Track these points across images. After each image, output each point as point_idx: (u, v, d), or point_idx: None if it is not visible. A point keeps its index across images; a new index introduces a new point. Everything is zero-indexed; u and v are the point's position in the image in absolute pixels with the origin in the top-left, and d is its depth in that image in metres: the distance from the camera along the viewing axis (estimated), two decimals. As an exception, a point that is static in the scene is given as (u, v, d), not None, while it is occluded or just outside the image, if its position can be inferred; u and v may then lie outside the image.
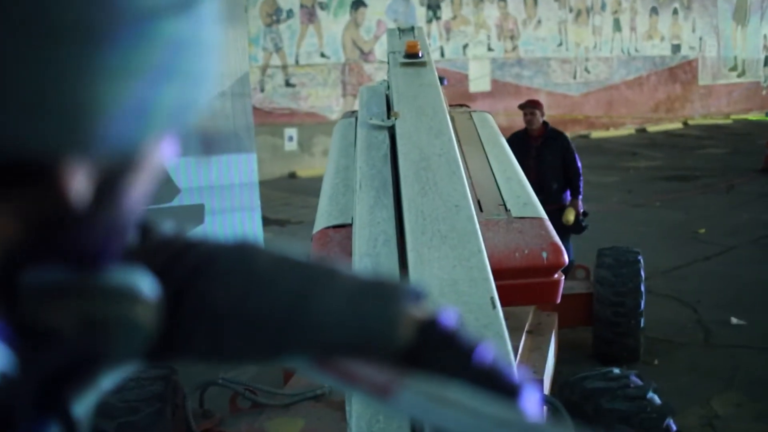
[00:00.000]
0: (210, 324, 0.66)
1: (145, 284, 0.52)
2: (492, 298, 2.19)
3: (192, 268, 0.67)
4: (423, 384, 0.60)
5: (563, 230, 5.24)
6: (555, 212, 5.17)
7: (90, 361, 0.53)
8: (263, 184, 6.19)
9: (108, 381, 0.56)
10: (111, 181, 0.46)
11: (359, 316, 0.65)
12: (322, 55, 12.43)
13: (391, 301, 0.66)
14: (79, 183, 0.44)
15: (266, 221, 6.55)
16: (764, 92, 20.39)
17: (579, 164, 5.54)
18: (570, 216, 5.31)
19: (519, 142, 5.55)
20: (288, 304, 0.66)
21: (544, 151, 5.47)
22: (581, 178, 5.52)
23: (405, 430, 1.77)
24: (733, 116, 18.74)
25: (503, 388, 0.60)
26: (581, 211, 5.43)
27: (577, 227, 5.37)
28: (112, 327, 0.50)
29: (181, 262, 0.67)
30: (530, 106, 5.63)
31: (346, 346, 0.65)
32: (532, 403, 0.60)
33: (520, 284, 3.14)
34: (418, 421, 0.63)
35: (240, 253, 0.69)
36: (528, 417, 0.56)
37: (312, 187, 5.85)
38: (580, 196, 5.47)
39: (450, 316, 0.66)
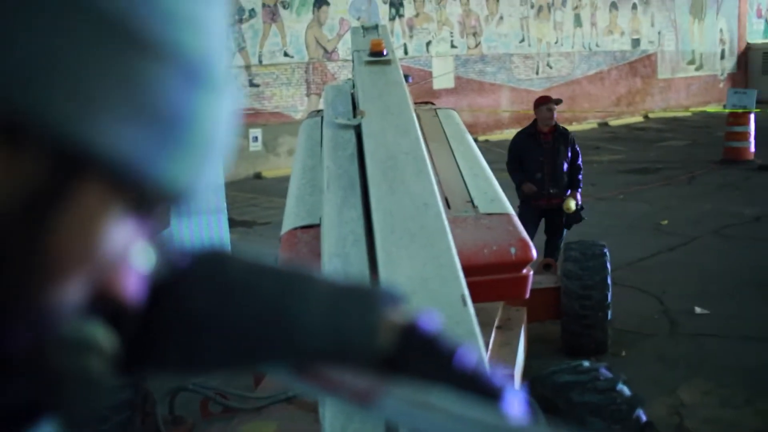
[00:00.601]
0: (185, 334, 0.65)
1: (100, 334, 0.50)
2: (463, 296, 2.19)
3: (165, 278, 0.65)
4: (405, 390, 0.60)
5: (563, 220, 5.47)
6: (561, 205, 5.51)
7: (35, 409, 0.51)
8: (228, 185, 6.14)
9: (53, 425, 0.54)
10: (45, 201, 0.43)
11: (338, 323, 0.64)
12: (286, 54, 12.36)
13: (369, 306, 0.65)
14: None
15: (232, 223, 6.49)
16: (721, 85, 20.75)
17: (580, 159, 5.78)
18: (571, 204, 5.54)
19: (531, 138, 5.69)
20: (265, 312, 0.65)
21: (557, 146, 5.65)
22: (581, 172, 5.77)
23: (380, 430, 1.77)
24: (692, 109, 19.05)
25: (485, 391, 0.60)
26: (579, 203, 5.65)
27: (577, 217, 5.61)
28: (64, 378, 0.49)
29: (154, 272, 0.65)
30: (552, 102, 5.76)
31: (326, 354, 0.64)
32: (514, 406, 0.59)
33: (489, 280, 3.16)
34: (400, 426, 0.62)
35: (214, 261, 0.68)
36: (512, 420, 0.56)
37: (278, 188, 5.83)
38: (580, 189, 5.70)
39: (429, 320, 0.66)
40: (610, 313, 4.39)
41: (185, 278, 0.66)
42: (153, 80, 0.43)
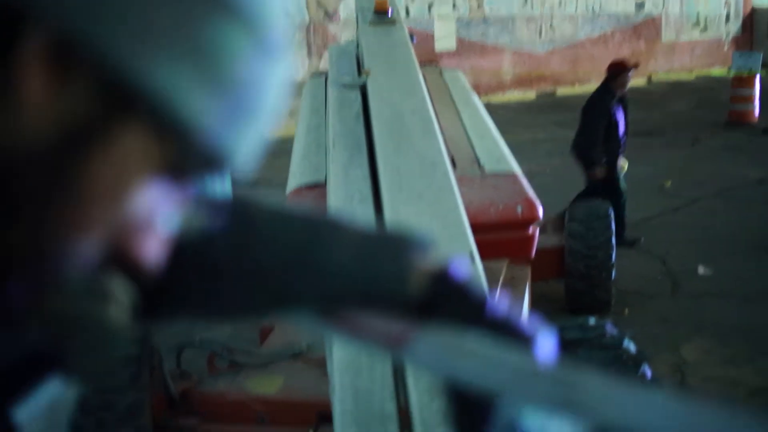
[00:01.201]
0: (209, 279, 0.64)
1: (117, 286, 0.49)
2: (471, 253, 2.20)
3: (192, 235, 0.65)
4: (438, 334, 0.59)
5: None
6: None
7: (46, 361, 0.50)
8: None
9: (58, 387, 0.53)
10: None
11: (368, 268, 0.63)
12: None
13: (399, 252, 0.64)
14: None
15: (234, 183, 6.50)
16: (726, 48, 20.56)
17: None
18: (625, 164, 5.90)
19: (619, 103, 5.71)
20: (291, 256, 0.64)
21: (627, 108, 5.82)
22: None
23: (389, 384, 1.78)
24: (696, 72, 18.91)
25: (518, 336, 0.59)
26: None
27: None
28: (78, 328, 0.48)
29: (180, 235, 0.65)
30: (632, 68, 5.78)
31: (355, 299, 0.63)
32: (547, 351, 0.59)
33: (495, 239, 3.16)
34: (432, 371, 0.62)
35: (238, 207, 0.68)
36: (545, 365, 0.55)
37: (279, 149, 5.81)
38: None
39: (460, 266, 0.65)
40: (613, 273, 4.41)
41: (209, 227, 0.65)
42: (219, 36, 0.42)
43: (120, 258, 0.45)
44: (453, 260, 0.65)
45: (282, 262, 0.64)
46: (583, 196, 5.56)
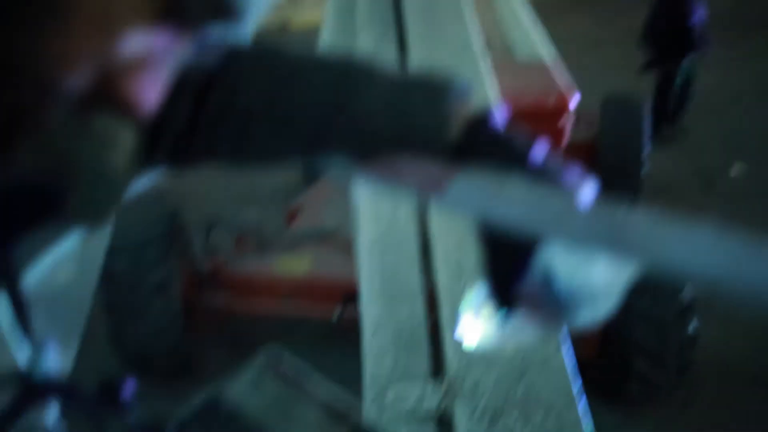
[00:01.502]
0: (240, 123, 0.62)
1: (125, 133, 0.46)
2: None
3: (216, 65, 0.63)
4: (477, 177, 0.57)
5: None
6: None
7: (43, 200, 0.47)
8: (255, 37, 6.01)
9: (62, 248, 0.51)
10: None
11: (405, 110, 0.61)
12: None
13: (438, 95, 0.61)
14: None
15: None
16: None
17: None
18: None
19: None
20: (325, 99, 0.62)
21: None
22: None
23: (416, 262, 1.79)
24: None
25: (559, 184, 0.57)
26: None
27: None
28: (80, 169, 0.44)
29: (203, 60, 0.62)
30: None
31: (391, 143, 0.61)
32: (589, 199, 0.58)
33: (525, 128, 3.13)
34: (469, 213, 0.60)
35: (268, 49, 0.66)
36: (584, 207, 0.54)
37: (306, 40, 5.72)
38: None
39: (501, 114, 0.63)
40: (645, 167, 4.37)
41: (236, 64, 0.63)
42: None
43: (113, 97, 0.42)
44: (493, 107, 0.63)
45: (315, 105, 0.62)
46: (662, 87, 5.41)
